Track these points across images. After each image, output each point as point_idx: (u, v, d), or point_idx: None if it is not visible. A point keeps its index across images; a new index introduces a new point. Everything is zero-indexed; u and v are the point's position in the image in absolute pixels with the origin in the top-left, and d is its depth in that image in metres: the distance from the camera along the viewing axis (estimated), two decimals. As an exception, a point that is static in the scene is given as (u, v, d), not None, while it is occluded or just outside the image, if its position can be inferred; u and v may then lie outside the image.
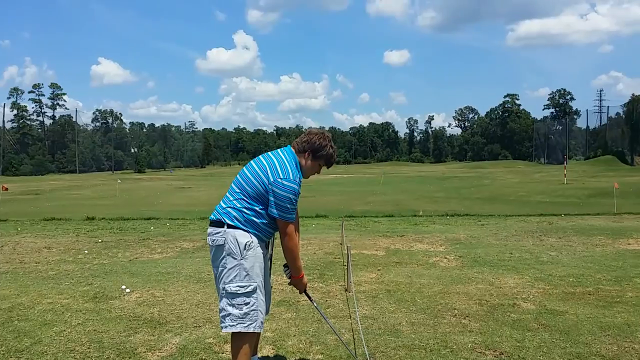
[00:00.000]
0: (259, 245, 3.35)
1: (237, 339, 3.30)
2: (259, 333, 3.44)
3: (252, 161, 3.49)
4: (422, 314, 5.18)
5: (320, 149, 3.45)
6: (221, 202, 3.43)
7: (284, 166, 3.30)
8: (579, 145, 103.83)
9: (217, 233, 3.31)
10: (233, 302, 3.26)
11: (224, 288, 3.29)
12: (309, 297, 3.70)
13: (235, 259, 3.26)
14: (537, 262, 7.73)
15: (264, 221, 3.33)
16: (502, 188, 33.54)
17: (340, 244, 9.36)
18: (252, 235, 3.30)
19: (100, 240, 10.35)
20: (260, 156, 3.50)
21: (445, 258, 8.16)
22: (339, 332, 4.25)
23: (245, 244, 3.26)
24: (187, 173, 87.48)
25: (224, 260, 3.29)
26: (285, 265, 3.54)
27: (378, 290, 6.14)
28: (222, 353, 4.16)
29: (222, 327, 3.32)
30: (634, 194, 24.66)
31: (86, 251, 9.06)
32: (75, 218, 15.03)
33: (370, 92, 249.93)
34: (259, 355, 3.92)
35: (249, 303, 3.25)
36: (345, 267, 6.38)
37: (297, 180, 3.30)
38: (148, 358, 4.07)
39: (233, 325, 3.25)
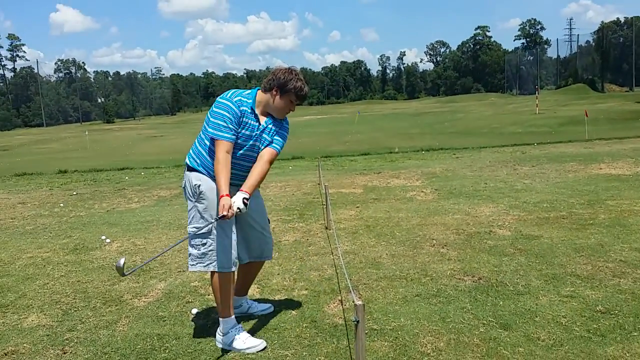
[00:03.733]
0: (214, 186, 3.24)
1: (212, 278, 3.36)
2: (234, 272, 3.44)
3: None
4: (401, 246, 5.30)
5: (287, 83, 3.35)
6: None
7: (227, 92, 3.35)
8: (550, 74, 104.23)
9: (184, 176, 3.40)
10: (192, 243, 3.31)
11: (188, 228, 3.36)
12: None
13: (191, 201, 3.32)
14: (512, 191, 7.89)
15: (208, 155, 3.33)
16: (476, 121, 33.80)
17: (318, 184, 9.40)
18: (205, 177, 3.28)
19: (75, 193, 10.24)
20: None
21: (422, 192, 8.28)
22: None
23: (198, 186, 3.27)
24: (157, 121, 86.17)
25: (187, 202, 3.38)
26: None
27: (358, 226, 6.23)
28: (208, 295, 4.22)
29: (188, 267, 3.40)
30: (604, 120, 25.09)
31: (62, 204, 8.97)
32: (47, 172, 14.79)
33: (341, 29, 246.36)
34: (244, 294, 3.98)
35: (205, 243, 3.27)
36: (324, 206, 6.44)
37: (233, 99, 3.27)
38: (135, 304, 4.11)
39: (193, 265, 3.33)
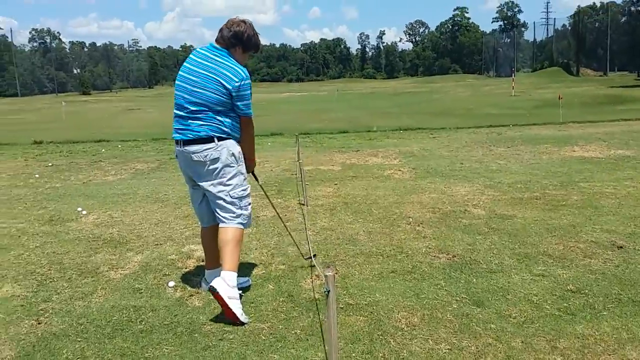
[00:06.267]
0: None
1: (234, 233, 3.50)
2: None
3: (190, 75, 3.44)
4: (378, 223, 5.35)
5: (250, 40, 3.49)
6: (193, 121, 3.41)
7: (232, 69, 3.39)
8: (526, 57, 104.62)
9: (209, 148, 3.40)
10: (241, 205, 3.53)
11: (229, 195, 3.47)
12: (256, 178, 3.97)
13: (232, 167, 3.47)
14: (487, 171, 8.00)
15: (238, 125, 3.51)
16: (453, 102, 33.91)
17: (296, 160, 9.39)
18: (237, 144, 3.52)
19: (50, 164, 10.09)
20: (193, 68, 3.46)
21: (400, 170, 8.34)
22: (290, 229, 4.41)
23: (239, 152, 3.53)
24: (135, 94, 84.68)
25: (222, 172, 3.44)
26: None
27: (335, 203, 6.27)
28: (186, 268, 4.23)
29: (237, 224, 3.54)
30: (578, 103, 25.39)
31: (37, 175, 8.83)
32: (22, 143, 14.48)
33: (321, 6, 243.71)
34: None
35: (250, 203, 3.64)
36: (301, 183, 6.46)
37: (248, 74, 3.45)
38: (111, 276, 4.10)
39: (244, 223, 3.58)
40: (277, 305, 3.51)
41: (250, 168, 3.78)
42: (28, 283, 3.99)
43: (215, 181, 3.46)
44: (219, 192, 3.47)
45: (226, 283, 3.31)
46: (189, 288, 3.82)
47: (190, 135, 3.42)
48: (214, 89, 3.35)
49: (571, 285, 3.67)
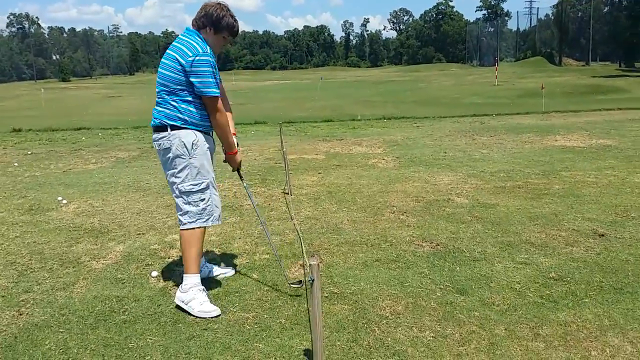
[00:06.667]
0: (205, 141, 3.37)
1: (187, 233, 3.36)
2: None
3: (162, 58, 3.39)
4: (362, 212, 5.35)
5: (220, 20, 3.34)
6: (156, 107, 3.36)
7: (189, 45, 3.24)
8: (510, 47, 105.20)
9: (163, 137, 3.30)
10: (189, 200, 3.33)
11: (177, 189, 3.33)
12: (240, 177, 3.72)
13: (183, 158, 3.28)
14: (470, 160, 8.04)
15: (203, 112, 3.32)
16: (437, 91, 34.01)
17: (280, 149, 9.36)
18: (195, 133, 3.31)
19: (29, 152, 9.93)
20: (167, 51, 3.39)
21: (383, 159, 8.35)
22: (263, 219, 4.37)
23: (192, 143, 3.28)
24: (115, 81, 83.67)
25: (174, 163, 3.31)
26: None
27: (320, 192, 6.26)
28: (169, 258, 4.20)
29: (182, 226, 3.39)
30: (561, 93, 25.61)
31: (16, 164, 8.69)
32: (0, 130, 14.26)
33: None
34: (205, 257, 3.97)
35: (204, 199, 3.37)
36: (285, 172, 6.43)
37: (207, 51, 3.25)
38: (93, 266, 4.05)
39: (192, 222, 3.38)
40: (262, 295, 3.50)
41: (231, 163, 3.57)
42: (8, 274, 3.93)
43: (169, 172, 3.37)
44: (172, 184, 3.38)
45: (180, 290, 3.34)
46: (172, 278, 3.79)
47: (152, 123, 3.37)
48: (171, 66, 3.24)
49: (553, 273, 3.70)
